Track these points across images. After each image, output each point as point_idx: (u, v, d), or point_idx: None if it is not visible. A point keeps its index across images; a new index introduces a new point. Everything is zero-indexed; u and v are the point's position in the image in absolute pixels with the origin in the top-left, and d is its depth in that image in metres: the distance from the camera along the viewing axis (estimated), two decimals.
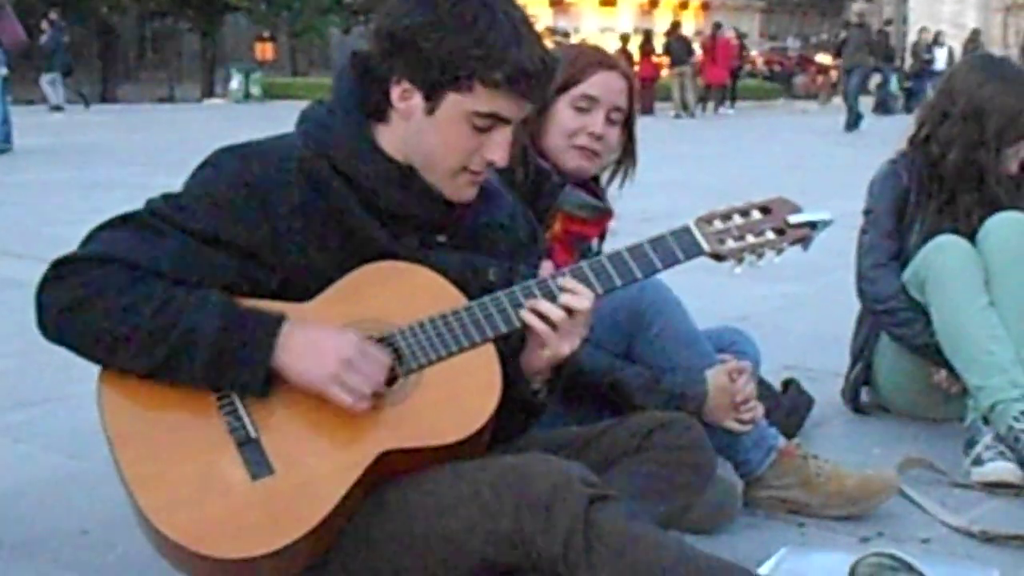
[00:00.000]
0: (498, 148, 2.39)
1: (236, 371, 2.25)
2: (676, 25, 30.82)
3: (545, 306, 2.34)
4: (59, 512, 3.16)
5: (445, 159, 2.39)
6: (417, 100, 2.36)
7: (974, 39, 31.07)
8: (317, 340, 2.27)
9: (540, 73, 2.35)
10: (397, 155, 2.42)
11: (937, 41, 31.24)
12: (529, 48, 2.33)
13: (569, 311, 2.34)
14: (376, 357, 2.28)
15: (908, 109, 29.14)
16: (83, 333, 2.26)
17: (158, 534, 2.21)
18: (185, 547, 2.19)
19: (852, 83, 23.24)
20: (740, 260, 2.45)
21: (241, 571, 2.23)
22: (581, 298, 2.35)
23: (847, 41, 23.90)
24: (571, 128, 3.07)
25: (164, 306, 2.24)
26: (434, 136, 2.38)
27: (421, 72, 2.33)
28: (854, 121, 22.41)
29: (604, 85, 3.09)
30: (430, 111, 2.36)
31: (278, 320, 2.27)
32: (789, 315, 5.70)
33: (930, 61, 29.94)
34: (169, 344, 2.23)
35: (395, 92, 2.37)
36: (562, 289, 2.35)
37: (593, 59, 3.13)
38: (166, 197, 2.36)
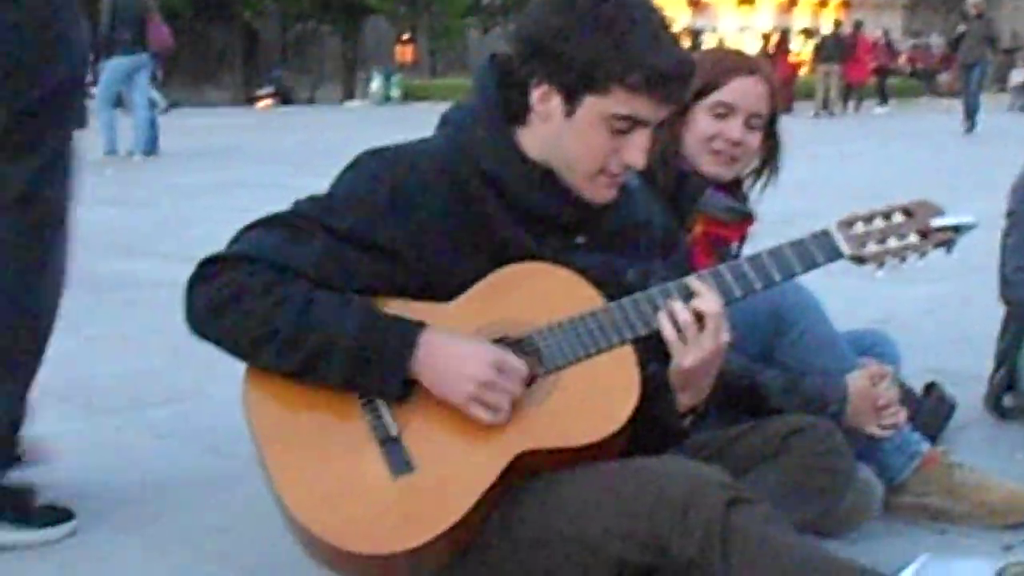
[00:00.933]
0: (636, 150, 2.37)
1: (373, 379, 2.28)
2: (838, 23, 30.45)
3: (678, 308, 2.33)
4: (200, 507, 3.22)
5: (583, 161, 2.39)
6: (556, 102, 2.36)
7: None
8: (455, 356, 2.28)
9: (678, 75, 2.34)
10: (538, 157, 2.43)
11: None
12: (668, 50, 2.32)
13: (698, 316, 2.32)
14: (514, 369, 2.28)
15: None
16: (228, 332, 2.31)
17: (302, 530, 2.25)
18: (328, 543, 2.22)
19: (972, 79, 21.73)
20: (881, 264, 2.43)
21: (381, 567, 2.26)
22: (709, 302, 2.33)
23: (965, 34, 22.16)
24: (708, 134, 3.04)
25: (305, 309, 2.27)
26: (573, 138, 2.38)
27: (560, 75, 2.33)
28: (973, 121, 21.26)
29: (742, 91, 3.06)
30: (569, 113, 2.36)
31: (416, 330, 2.29)
32: (932, 317, 5.61)
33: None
34: (308, 348, 2.27)
35: (535, 95, 2.38)
36: (693, 293, 2.34)
37: (732, 64, 3.09)
38: (312, 199, 2.41)
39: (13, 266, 2.87)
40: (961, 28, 22.99)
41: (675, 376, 2.38)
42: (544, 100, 2.37)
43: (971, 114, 21.36)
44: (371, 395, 2.31)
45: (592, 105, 2.33)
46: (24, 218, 2.86)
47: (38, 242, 2.89)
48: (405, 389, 2.29)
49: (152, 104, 15.39)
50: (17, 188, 2.85)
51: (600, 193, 2.44)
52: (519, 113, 2.43)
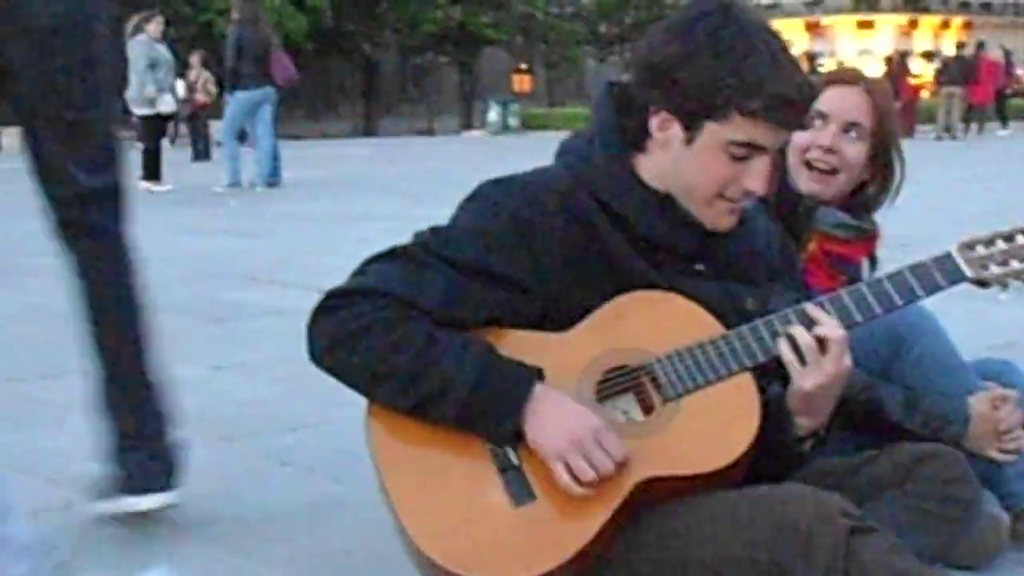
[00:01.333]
0: (757, 177, 2.36)
1: (486, 425, 2.30)
2: (961, 46, 30.06)
3: (798, 332, 2.32)
4: (324, 534, 3.25)
5: (702, 188, 2.39)
6: (676, 130, 2.36)
7: None
8: (561, 413, 2.29)
9: (798, 101, 2.33)
10: (657, 184, 2.43)
11: None
12: (787, 76, 2.31)
13: (820, 341, 2.30)
14: (612, 446, 2.27)
15: None
16: (348, 366, 2.35)
17: (424, 557, 2.27)
18: (450, 571, 2.24)
19: None
20: (1005, 286, 2.40)
21: None
22: (830, 328, 2.31)
23: None
24: (802, 144, 3.04)
25: (425, 350, 2.30)
26: (692, 165, 2.37)
27: (679, 102, 2.34)
28: None
29: (835, 100, 3.05)
30: (689, 140, 2.36)
31: (531, 382, 2.30)
32: None
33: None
34: (424, 390, 2.30)
35: (654, 122, 2.38)
36: (813, 320, 2.33)
37: (832, 77, 3.09)
38: (434, 230, 2.43)
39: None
40: None
41: (794, 400, 2.36)
42: (663, 128, 2.38)
43: None
44: (481, 438, 2.33)
45: (711, 132, 2.33)
46: None
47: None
48: (516, 436, 2.30)
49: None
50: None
51: (720, 220, 2.43)
52: (638, 140, 2.43)
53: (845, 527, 2.13)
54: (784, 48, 2.37)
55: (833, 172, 3.07)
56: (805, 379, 2.32)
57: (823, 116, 3.05)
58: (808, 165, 3.06)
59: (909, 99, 27.74)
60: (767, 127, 2.32)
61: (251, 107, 15.06)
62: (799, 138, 3.02)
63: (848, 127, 3.06)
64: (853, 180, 3.12)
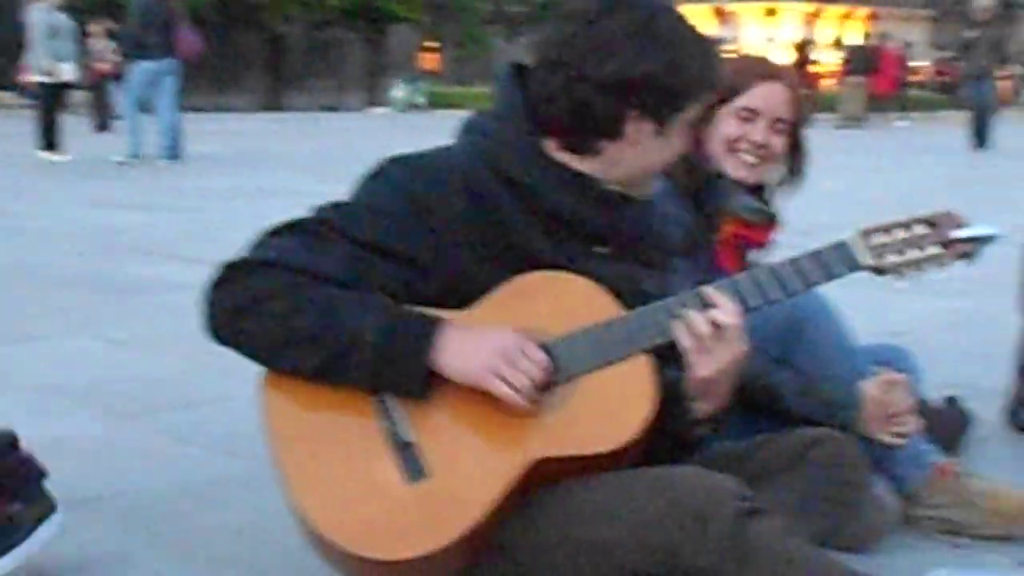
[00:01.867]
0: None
1: (397, 372, 2.29)
2: (867, 36, 30.38)
3: (694, 317, 2.33)
4: (217, 511, 3.23)
5: (665, 162, 2.51)
6: (648, 126, 2.42)
7: None
8: (477, 337, 2.30)
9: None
10: (621, 176, 2.47)
11: None
12: (718, 64, 2.49)
13: (716, 326, 2.32)
14: (535, 353, 2.30)
15: None
16: (250, 335, 2.33)
17: (315, 533, 2.26)
18: (341, 546, 2.23)
19: (984, 93, 19.70)
20: (901, 275, 2.43)
21: (392, 572, 2.27)
22: (727, 312, 2.33)
23: (972, 43, 19.66)
24: (732, 136, 3.11)
25: (328, 308, 2.29)
26: (664, 152, 2.48)
27: (657, 106, 2.40)
28: (983, 138, 19.73)
29: (766, 96, 3.12)
30: (661, 132, 2.43)
31: (437, 322, 2.31)
32: (953, 332, 5.59)
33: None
34: (332, 345, 2.28)
35: (630, 127, 2.42)
36: (710, 303, 2.35)
37: (756, 71, 3.14)
38: (334, 206, 2.42)
39: None
40: (968, 35, 20.29)
41: (692, 385, 2.38)
42: (637, 129, 2.42)
43: (982, 131, 19.88)
44: (394, 391, 2.32)
45: (679, 121, 2.44)
46: None
47: None
48: (427, 384, 2.30)
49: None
50: None
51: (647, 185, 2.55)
52: (584, 147, 2.44)
53: (738, 509, 2.15)
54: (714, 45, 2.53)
55: (762, 161, 3.13)
56: (700, 364, 2.34)
57: (754, 112, 3.12)
58: (734, 154, 3.11)
59: (810, 87, 28.15)
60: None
61: (153, 78, 14.87)
62: (729, 130, 3.11)
63: (775, 122, 3.13)
64: (774, 168, 3.18)
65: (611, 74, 2.37)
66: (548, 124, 2.44)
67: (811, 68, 29.07)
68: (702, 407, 2.42)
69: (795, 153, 3.23)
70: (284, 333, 2.29)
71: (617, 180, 2.46)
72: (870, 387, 2.96)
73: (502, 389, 2.26)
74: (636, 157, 2.45)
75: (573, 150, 2.44)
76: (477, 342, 2.29)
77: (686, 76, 2.38)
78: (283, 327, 2.29)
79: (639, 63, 2.36)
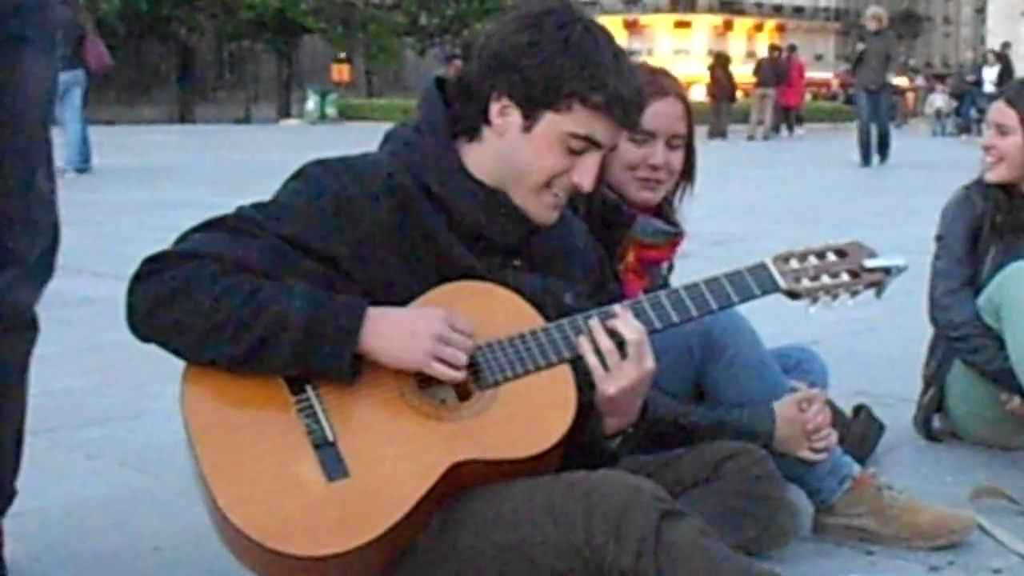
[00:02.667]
0: (587, 172, 2.43)
1: (324, 355, 2.29)
2: (774, 48, 30.64)
3: (600, 336, 2.36)
4: (131, 528, 3.19)
5: (533, 176, 2.44)
6: (515, 117, 2.41)
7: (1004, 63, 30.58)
8: (406, 321, 2.32)
9: (636, 102, 2.43)
10: (484, 176, 2.47)
11: (987, 60, 29.73)
12: (628, 76, 2.41)
13: (620, 344, 2.35)
14: (463, 325, 2.33)
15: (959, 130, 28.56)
16: (174, 326, 2.31)
17: (232, 528, 2.24)
18: (257, 542, 2.22)
19: (880, 106, 18.57)
20: (815, 299, 2.50)
21: (310, 570, 2.26)
22: (630, 329, 2.36)
23: (864, 54, 18.51)
24: (631, 161, 3.06)
25: (253, 295, 2.29)
26: (527, 153, 2.42)
27: (522, 90, 2.39)
28: (867, 153, 18.51)
29: (659, 115, 3.05)
30: (527, 128, 2.41)
31: (362, 305, 2.32)
32: (862, 339, 5.66)
33: (978, 82, 28.55)
34: (259, 330, 2.28)
35: (494, 108, 2.42)
36: (615, 319, 2.37)
37: (648, 89, 3.11)
38: (256, 206, 2.42)
39: None
40: (860, 47, 19.10)
41: (601, 402, 2.40)
42: (503, 114, 2.42)
43: (882, 144, 18.81)
44: (322, 373, 2.31)
45: (551, 122, 2.39)
46: None
47: None
48: (355, 367, 2.30)
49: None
50: None
51: (544, 212, 2.48)
52: (472, 128, 2.46)
53: (656, 510, 2.16)
54: (623, 51, 2.47)
55: (661, 182, 3.12)
56: (607, 383, 2.37)
57: (649, 133, 3.05)
58: (638, 179, 3.09)
59: (730, 100, 28.51)
60: (605, 123, 2.39)
61: (60, 91, 14.66)
62: (629, 155, 3.05)
63: (672, 139, 3.11)
64: (674, 182, 3.18)
65: (485, 48, 2.43)
66: (454, 119, 2.47)
67: (728, 80, 29.23)
68: (611, 423, 2.44)
69: (687, 161, 3.20)
70: (208, 321, 2.28)
71: (495, 177, 2.45)
72: (785, 408, 2.98)
73: (444, 371, 2.29)
74: (505, 150, 2.44)
75: (464, 134, 2.47)
76: (406, 325, 2.31)
77: (553, 67, 2.35)
78: (207, 316, 2.28)
79: (510, 39, 2.39)
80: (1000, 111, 3.87)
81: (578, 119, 2.38)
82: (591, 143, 2.40)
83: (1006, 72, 29.13)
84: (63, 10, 14.16)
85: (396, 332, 2.30)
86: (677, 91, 3.15)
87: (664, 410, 2.91)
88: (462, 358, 2.31)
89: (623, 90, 2.37)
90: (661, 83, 3.13)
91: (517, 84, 2.38)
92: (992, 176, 3.86)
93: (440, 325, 2.31)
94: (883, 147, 18.88)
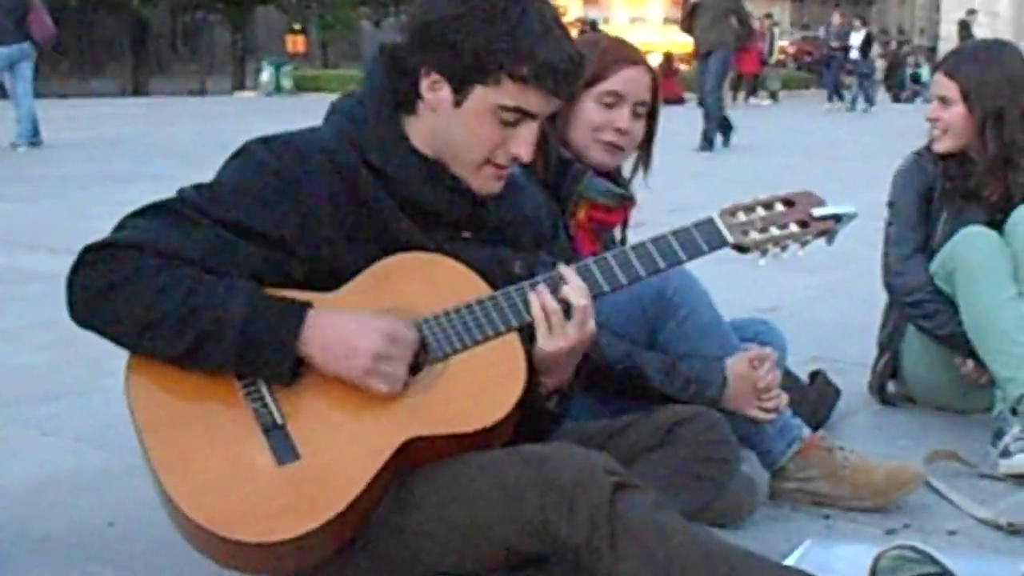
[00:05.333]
0: (523, 143, 2.41)
1: (262, 359, 2.28)
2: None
3: (546, 297, 2.36)
4: (86, 504, 3.18)
5: (470, 151, 2.42)
6: (445, 92, 2.39)
7: (964, 32, 30.56)
8: (345, 332, 2.29)
9: (568, 70, 2.38)
10: (426, 148, 2.46)
11: (853, 26, 29.03)
12: (558, 45, 2.36)
13: (566, 304, 2.35)
14: (405, 338, 2.31)
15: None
16: (113, 318, 2.29)
17: (184, 518, 2.24)
18: (210, 531, 2.22)
19: (710, 73, 15.42)
20: (764, 252, 2.49)
21: (265, 556, 2.26)
22: (576, 293, 2.37)
23: (696, 10, 15.09)
24: (597, 123, 3.08)
25: (192, 292, 2.27)
26: (461, 128, 2.40)
27: (450, 64, 2.36)
28: (712, 134, 15.51)
29: (629, 81, 3.11)
30: (458, 103, 2.38)
31: (302, 310, 2.30)
32: (818, 306, 5.70)
33: (845, 48, 27.96)
34: (197, 331, 2.26)
35: (424, 83, 2.40)
36: (563, 282, 2.38)
37: (618, 55, 3.13)
38: (197, 187, 2.40)
39: None
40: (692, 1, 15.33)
41: (538, 359, 2.41)
42: (433, 89, 2.40)
43: (724, 126, 15.94)
44: (262, 376, 2.30)
45: (481, 96, 2.37)
46: None
47: None
48: (295, 370, 2.29)
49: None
50: None
51: (487, 184, 2.46)
52: (408, 102, 2.45)
53: (609, 484, 2.17)
54: (556, 17, 2.41)
55: (621, 148, 3.14)
56: (548, 341, 2.37)
57: (619, 96, 3.09)
58: (602, 143, 3.11)
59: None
60: (536, 94, 2.37)
61: (7, 64, 14.47)
62: (595, 117, 3.08)
63: (637, 106, 3.13)
64: (632, 151, 3.19)
65: (415, 20, 2.41)
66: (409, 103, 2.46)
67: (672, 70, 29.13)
68: (545, 381, 2.45)
69: (648, 132, 3.23)
70: (147, 316, 2.26)
71: (436, 151, 2.45)
72: (736, 363, 3.00)
73: (379, 387, 2.28)
74: (437, 128, 2.43)
75: (402, 107, 2.45)
76: (346, 339, 2.28)
77: (478, 40, 2.33)
78: (146, 310, 2.26)
79: (438, 11, 2.37)
80: (941, 83, 3.90)
81: (508, 92, 2.35)
82: (524, 114, 2.39)
83: (966, 40, 29.17)
84: None
85: (335, 344, 2.29)
86: (644, 61, 3.18)
87: (616, 350, 2.93)
88: (401, 373, 2.30)
89: (553, 59, 2.34)
90: (633, 52, 3.18)
91: (444, 59, 2.36)
92: (939, 147, 3.89)
93: (381, 342, 2.28)
94: (709, 131, 15.55)
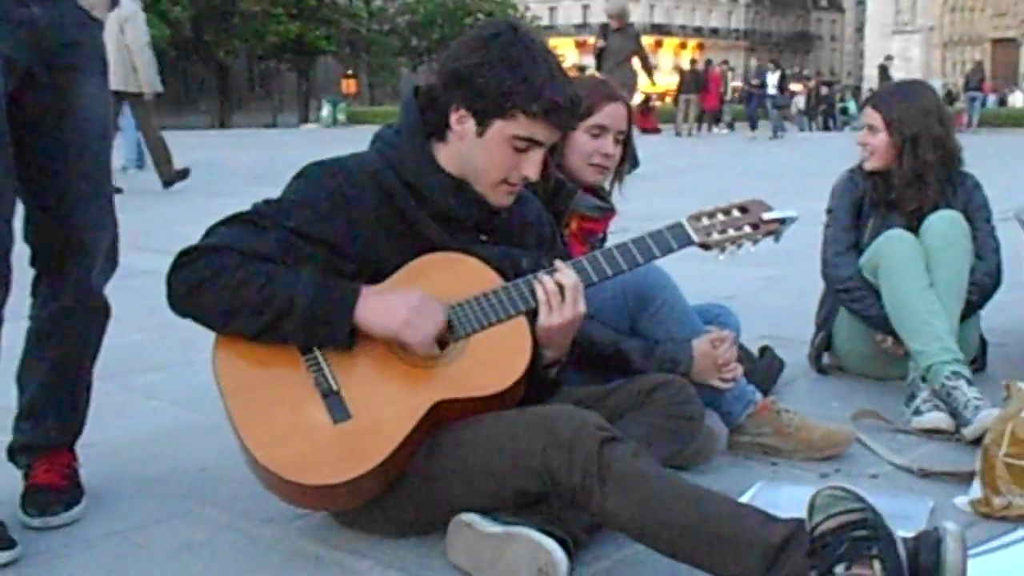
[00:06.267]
0: (532, 166, 2.43)
1: (326, 329, 2.30)
2: (693, 63, 30.58)
3: (546, 280, 2.37)
4: (181, 454, 3.18)
5: (490, 173, 2.43)
6: (471, 125, 2.39)
7: (883, 74, 30.30)
8: (390, 298, 2.32)
9: (570, 107, 2.40)
10: (452, 169, 2.46)
11: (769, 68, 28.59)
12: (562, 87, 2.38)
13: (560, 287, 2.36)
14: (435, 305, 2.32)
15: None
16: (204, 306, 2.31)
17: (258, 465, 2.26)
18: (279, 475, 2.24)
19: None
20: (723, 249, 2.49)
21: (322, 496, 2.29)
22: (568, 277, 2.38)
23: (604, 53, 13.41)
24: (588, 151, 3.08)
25: (268, 282, 2.28)
26: (482, 154, 2.41)
27: (475, 102, 2.37)
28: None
29: (612, 115, 3.10)
30: (480, 134, 2.39)
31: (356, 289, 2.32)
32: (767, 294, 5.67)
33: (762, 85, 27.51)
34: (272, 311, 2.28)
35: (453, 117, 2.41)
36: (557, 271, 2.39)
37: (603, 94, 3.12)
38: (267, 202, 2.42)
39: None
40: (600, 44, 13.62)
41: (539, 335, 2.41)
42: (461, 122, 2.41)
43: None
44: (325, 344, 2.31)
45: (499, 128, 2.38)
46: None
47: None
48: (352, 338, 2.30)
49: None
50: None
51: (501, 199, 2.48)
52: (439, 131, 2.45)
53: (599, 437, 2.17)
54: (559, 64, 2.43)
55: (607, 169, 3.14)
56: (548, 318, 2.38)
57: (603, 128, 3.08)
58: (591, 166, 3.10)
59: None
60: (545, 126, 2.38)
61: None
62: (586, 146, 3.08)
63: (618, 135, 3.12)
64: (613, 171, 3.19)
65: (445, 66, 2.42)
66: (440, 132, 2.45)
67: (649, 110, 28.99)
68: (547, 354, 2.45)
69: (625, 155, 3.23)
70: (232, 304, 2.28)
71: (460, 171, 2.45)
72: (701, 344, 2.99)
73: (413, 338, 2.28)
74: (463, 153, 2.43)
75: (434, 135, 2.45)
76: (392, 302, 2.31)
77: (498, 84, 2.33)
78: (230, 299, 2.28)
79: (463, 59, 2.37)
80: (869, 114, 3.91)
81: (521, 125, 2.37)
82: (533, 143, 2.40)
83: (885, 81, 29.00)
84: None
85: (382, 308, 2.30)
86: (622, 98, 3.17)
87: (606, 338, 2.93)
88: (431, 330, 2.30)
89: (559, 98, 2.36)
90: (613, 91, 3.17)
91: (470, 98, 2.37)
92: (868, 166, 3.89)
93: (417, 302, 2.31)
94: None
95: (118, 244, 2.77)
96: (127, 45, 11.38)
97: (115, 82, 11.70)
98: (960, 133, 3.83)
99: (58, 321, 2.67)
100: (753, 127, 27.48)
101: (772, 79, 27.57)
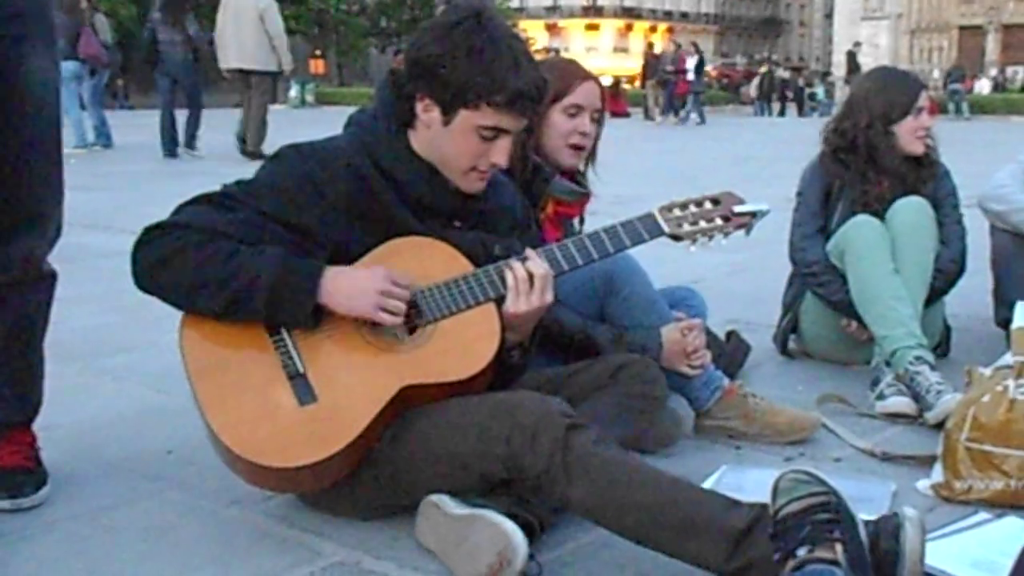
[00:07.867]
0: (500, 153, 2.42)
1: (290, 307, 2.28)
2: (650, 46, 30.43)
3: (516, 268, 2.37)
4: (149, 436, 3.17)
5: (458, 161, 2.42)
6: (436, 114, 2.39)
7: (851, 60, 30.38)
8: (356, 279, 2.31)
9: (534, 95, 2.39)
10: (424, 156, 2.45)
11: (690, 52, 27.54)
12: (526, 75, 2.36)
13: (530, 275, 2.36)
14: (401, 280, 2.32)
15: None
16: (168, 282, 2.30)
17: (224, 447, 2.26)
18: (244, 457, 2.24)
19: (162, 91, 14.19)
20: (694, 240, 2.50)
21: (286, 478, 2.29)
22: (538, 266, 2.38)
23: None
24: (565, 130, 3.08)
25: (231, 258, 2.27)
26: (449, 143, 2.40)
27: (439, 93, 2.36)
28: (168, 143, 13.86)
29: (587, 93, 3.11)
30: (446, 123, 2.38)
31: (321, 267, 2.31)
32: (734, 278, 5.70)
33: (683, 71, 26.39)
34: (236, 287, 2.27)
35: (419, 106, 2.40)
36: (528, 259, 2.38)
37: (577, 73, 3.13)
38: (239, 183, 2.41)
39: None
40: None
41: (505, 319, 2.40)
42: (426, 111, 2.40)
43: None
44: (289, 323, 2.30)
45: (465, 118, 2.37)
46: None
47: None
48: (317, 316, 2.29)
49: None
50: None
51: (472, 185, 2.48)
52: (408, 119, 2.45)
53: (563, 424, 2.18)
54: (524, 50, 2.42)
55: (584, 148, 3.13)
56: (515, 304, 2.38)
57: (579, 107, 3.08)
58: (569, 146, 3.10)
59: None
60: (509, 115, 2.38)
61: (70, 78, 13.97)
62: (563, 125, 3.07)
63: (594, 113, 3.12)
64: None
65: (409, 55, 2.41)
66: (408, 120, 2.44)
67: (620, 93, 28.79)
68: (511, 338, 2.45)
69: (596, 138, 3.21)
70: (195, 280, 2.27)
71: (431, 158, 2.44)
72: (670, 332, 3.00)
73: (386, 318, 2.28)
74: (431, 140, 2.43)
75: (405, 123, 2.45)
76: (356, 281, 2.30)
77: (461, 75, 2.32)
78: (194, 275, 2.27)
79: (425, 49, 2.36)
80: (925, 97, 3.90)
81: (486, 115, 2.36)
82: (501, 131, 2.39)
83: (853, 67, 29.04)
84: (64, 17, 13.58)
85: (348, 288, 2.30)
86: (594, 77, 3.18)
87: (575, 324, 2.93)
88: (401, 307, 2.30)
89: (522, 88, 2.34)
90: (586, 70, 3.16)
91: (434, 88, 2.36)
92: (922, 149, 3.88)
93: (383, 282, 2.30)
94: None
95: (63, 216, 2.72)
96: (267, 31, 12.69)
97: (256, 62, 12.85)
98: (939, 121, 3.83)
99: (5, 294, 2.63)
100: (676, 112, 26.73)
101: (691, 63, 26.66)
